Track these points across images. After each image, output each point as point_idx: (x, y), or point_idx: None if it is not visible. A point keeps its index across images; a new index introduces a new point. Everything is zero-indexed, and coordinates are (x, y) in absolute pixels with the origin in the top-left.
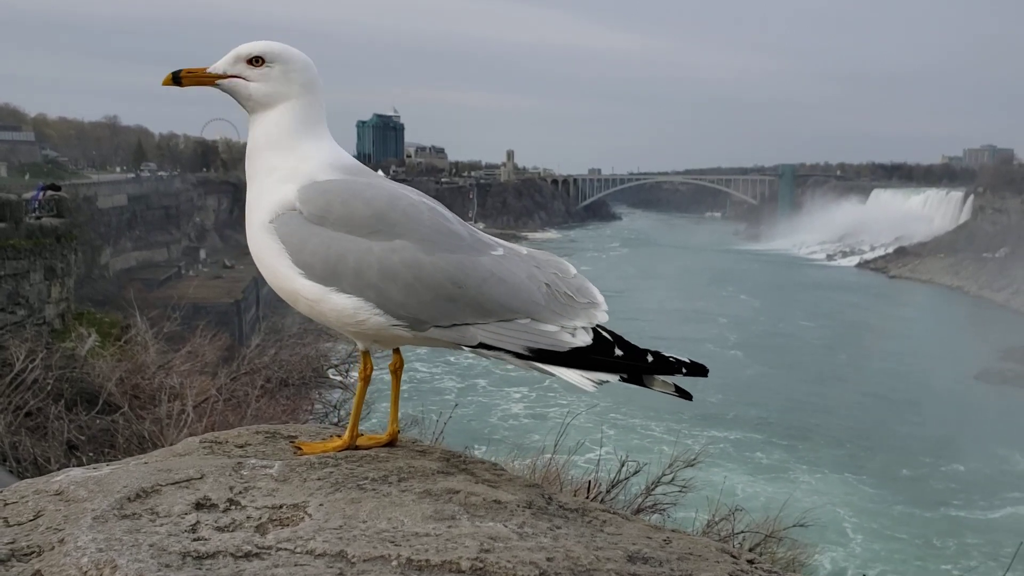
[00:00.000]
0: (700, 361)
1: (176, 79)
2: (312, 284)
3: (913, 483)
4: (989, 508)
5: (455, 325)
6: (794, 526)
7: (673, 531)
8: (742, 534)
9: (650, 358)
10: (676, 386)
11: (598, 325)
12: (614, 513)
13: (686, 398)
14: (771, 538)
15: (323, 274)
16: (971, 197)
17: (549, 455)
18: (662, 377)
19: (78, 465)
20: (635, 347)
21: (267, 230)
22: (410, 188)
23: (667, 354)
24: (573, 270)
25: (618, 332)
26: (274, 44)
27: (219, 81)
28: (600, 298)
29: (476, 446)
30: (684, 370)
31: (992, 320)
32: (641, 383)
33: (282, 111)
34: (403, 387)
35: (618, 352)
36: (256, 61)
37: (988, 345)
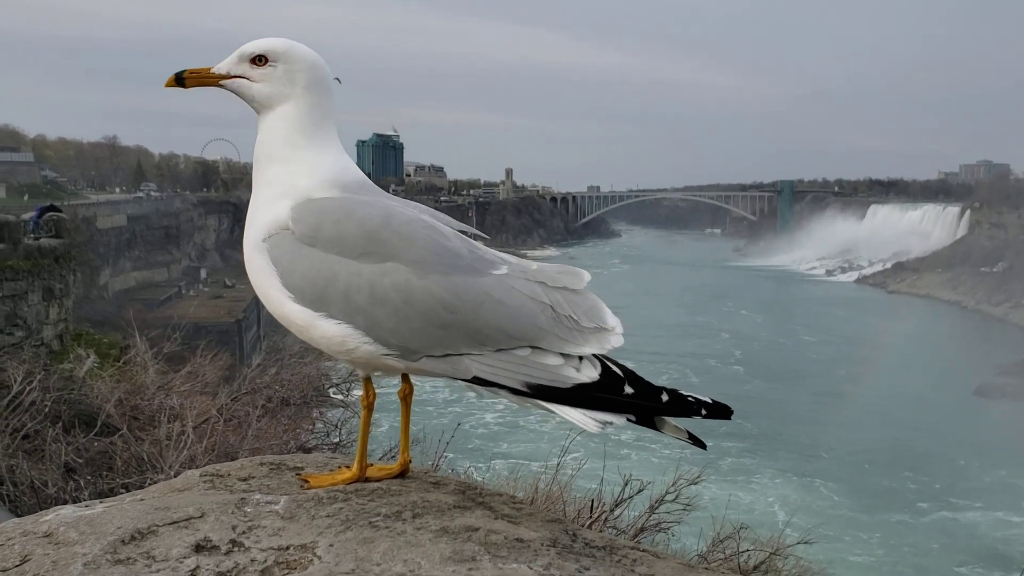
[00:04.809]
0: (723, 401)
1: (179, 80)
2: (301, 309)
3: (897, 495)
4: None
5: (448, 355)
6: (799, 543)
7: (706, 569)
8: (747, 552)
9: (665, 397)
10: (689, 433)
11: (607, 357)
12: (644, 550)
13: (700, 446)
14: (776, 555)
15: (312, 298)
16: (968, 212)
17: (538, 469)
18: (675, 421)
19: (76, 488)
20: (649, 384)
21: (260, 249)
22: (412, 203)
23: (685, 393)
24: (586, 277)
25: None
26: (277, 41)
27: (223, 82)
28: (612, 321)
29: (447, 454)
30: (704, 411)
31: (990, 334)
32: (652, 425)
33: (282, 114)
34: (390, 399)
35: (628, 389)
36: (259, 60)
37: (987, 359)
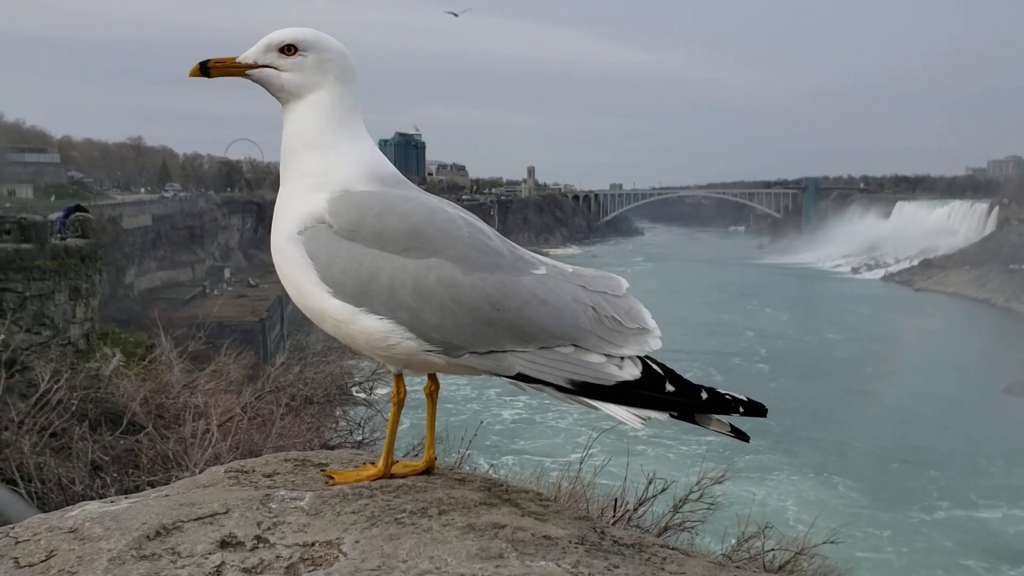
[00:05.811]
0: (758, 400)
1: (204, 69)
2: (341, 304)
3: (919, 494)
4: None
5: (492, 352)
6: (825, 543)
7: (738, 567)
8: (772, 551)
9: (704, 395)
10: (732, 426)
11: (648, 356)
12: (673, 549)
13: (743, 439)
14: (801, 555)
15: (353, 293)
16: (996, 209)
17: (552, 465)
18: (717, 416)
19: (102, 486)
20: (688, 382)
21: (294, 242)
22: (447, 201)
23: (723, 391)
24: (624, 285)
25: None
26: (307, 31)
27: (249, 71)
28: (652, 323)
29: (467, 451)
30: (741, 409)
31: (1020, 332)
32: (693, 421)
33: (314, 103)
34: (415, 397)
35: (669, 388)
36: (288, 50)
37: (1016, 357)
